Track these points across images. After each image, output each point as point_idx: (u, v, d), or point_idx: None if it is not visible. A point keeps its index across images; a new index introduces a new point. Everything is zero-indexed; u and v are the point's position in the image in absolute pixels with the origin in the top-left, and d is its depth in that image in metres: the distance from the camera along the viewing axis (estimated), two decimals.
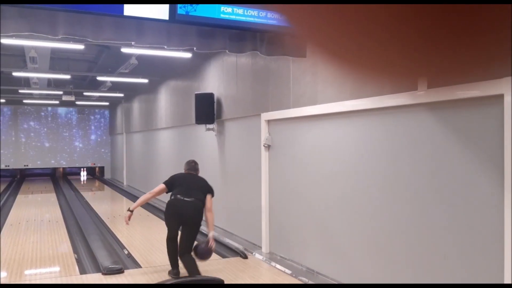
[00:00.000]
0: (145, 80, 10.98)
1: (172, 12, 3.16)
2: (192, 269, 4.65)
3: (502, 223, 2.95)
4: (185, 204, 4.77)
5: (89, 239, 6.87)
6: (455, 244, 3.33)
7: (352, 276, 4.41)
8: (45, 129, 18.41)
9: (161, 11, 3.14)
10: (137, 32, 3.52)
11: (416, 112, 3.66)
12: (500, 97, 2.96)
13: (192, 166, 5.31)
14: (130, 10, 3.02)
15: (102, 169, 19.29)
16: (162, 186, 5.02)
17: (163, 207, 10.03)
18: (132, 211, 4.89)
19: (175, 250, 4.85)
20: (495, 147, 3.01)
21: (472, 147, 3.25)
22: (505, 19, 0.32)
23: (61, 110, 18.54)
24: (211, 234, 4.84)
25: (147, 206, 10.59)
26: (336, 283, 4.60)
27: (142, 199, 5.05)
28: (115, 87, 11.85)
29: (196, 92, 7.77)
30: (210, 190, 5.02)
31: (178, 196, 4.82)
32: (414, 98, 3.60)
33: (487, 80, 2.95)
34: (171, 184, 5.01)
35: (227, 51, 4.04)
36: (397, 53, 0.37)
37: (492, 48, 0.35)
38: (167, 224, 4.96)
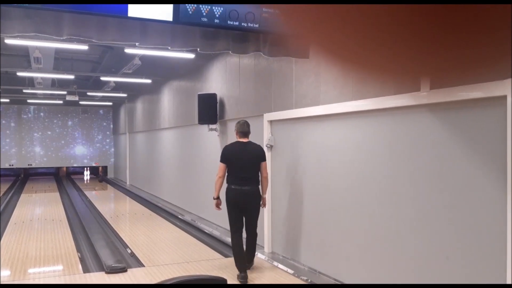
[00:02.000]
0: (148, 81, 11.01)
1: (176, 13, 3.18)
2: (249, 251, 4.97)
3: (505, 224, 2.96)
4: (243, 193, 4.80)
5: (93, 238, 6.90)
6: (457, 245, 3.34)
7: (354, 276, 4.42)
8: (49, 129, 18.47)
9: (165, 12, 3.16)
10: (141, 33, 3.54)
11: (418, 113, 3.67)
12: (503, 98, 2.96)
13: (245, 130, 4.96)
14: (134, 11, 3.05)
15: (105, 168, 19.35)
16: (222, 165, 4.92)
17: (166, 206, 10.11)
18: (218, 198, 5.00)
19: (241, 249, 4.90)
20: (498, 148, 3.02)
21: (475, 148, 3.25)
22: (508, 20, 0.33)
23: (65, 110, 18.59)
24: (264, 197, 5.05)
25: (150, 205, 10.63)
26: (338, 283, 4.62)
27: (218, 185, 4.94)
28: (118, 87, 11.89)
29: (199, 93, 7.80)
30: (263, 158, 4.93)
31: (233, 186, 4.82)
32: (417, 99, 3.61)
33: (490, 81, 2.96)
34: (226, 160, 4.92)
35: (230, 52, 4.06)
36: (399, 54, 0.37)
37: (495, 49, 0.35)
38: (230, 217, 4.98)
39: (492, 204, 3.09)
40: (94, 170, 19.77)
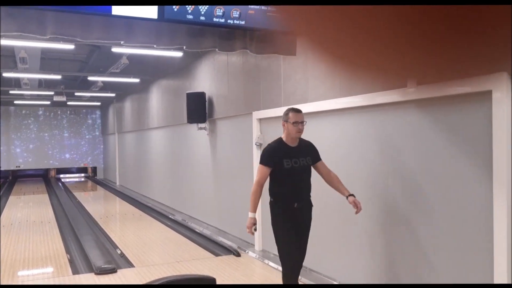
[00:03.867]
0: (137, 80, 10.94)
1: (160, 11, 3.15)
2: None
3: (491, 218, 2.98)
4: None
5: (82, 239, 6.85)
6: (444, 241, 3.36)
7: (345, 273, 4.43)
8: (37, 130, 18.30)
9: (150, 10, 3.13)
10: (126, 31, 3.51)
11: (406, 109, 3.69)
12: (489, 93, 2.99)
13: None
14: (118, 9, 3.02)
15: (94, 169, 19.22)
16: None
17: (156, 206, 10.05)
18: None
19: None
20: (484, 143, 3.04)
21: (461, 143, 3.28)
22: (491, 17, 0.34)
23: (53, 111, 18.43)
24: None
25: (140, 205, 10.58)
26: (327, 280, 4.63)
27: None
28: (106, 87, 11.81)
29: (187, 91, 7.77)
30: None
31: None
32: (404, 95, 3.62)
33: (475, 76, 2.98)
34: None
35: (217, 49, 4.04)
36: (386, 50, 0.37)
37: (480, 44, 0.35)
38: None
39: (478, 198, 3.11)
40: (83, 171, 19.64)
